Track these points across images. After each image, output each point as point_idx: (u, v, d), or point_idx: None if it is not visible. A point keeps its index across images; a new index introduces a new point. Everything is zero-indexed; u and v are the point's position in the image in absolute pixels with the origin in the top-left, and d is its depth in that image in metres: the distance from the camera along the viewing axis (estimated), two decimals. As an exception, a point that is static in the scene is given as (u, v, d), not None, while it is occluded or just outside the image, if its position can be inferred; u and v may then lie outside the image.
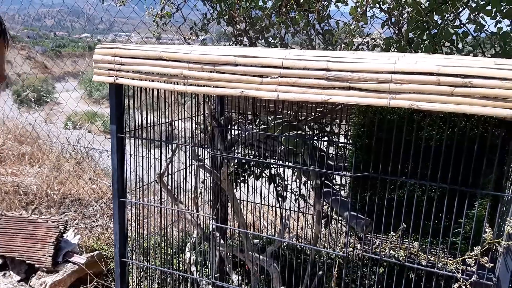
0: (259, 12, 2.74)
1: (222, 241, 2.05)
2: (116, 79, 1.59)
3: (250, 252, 1.90)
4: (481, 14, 2.02)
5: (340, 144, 1.79)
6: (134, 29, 4.58)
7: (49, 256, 2.97)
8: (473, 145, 1.30)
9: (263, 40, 2.87)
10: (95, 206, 4.15)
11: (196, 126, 2.07)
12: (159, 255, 2.29)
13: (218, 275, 2.24)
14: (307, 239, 2.33)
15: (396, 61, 1.21)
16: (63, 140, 5.41)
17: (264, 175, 2.26)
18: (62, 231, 3.08)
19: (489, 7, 1.88)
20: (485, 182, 1.36)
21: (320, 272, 1.95)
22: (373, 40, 2.53)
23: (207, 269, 2.46)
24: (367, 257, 1.50)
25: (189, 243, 2.28)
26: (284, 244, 2.44)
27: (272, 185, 2.24)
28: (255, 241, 2.48)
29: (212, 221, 1.98)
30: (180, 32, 3.19)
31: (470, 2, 1.97)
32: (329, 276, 1.81)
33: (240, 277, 2.22)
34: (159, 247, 2.27)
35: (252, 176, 2.22)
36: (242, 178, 2.24)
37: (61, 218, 3.27)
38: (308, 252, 2.13)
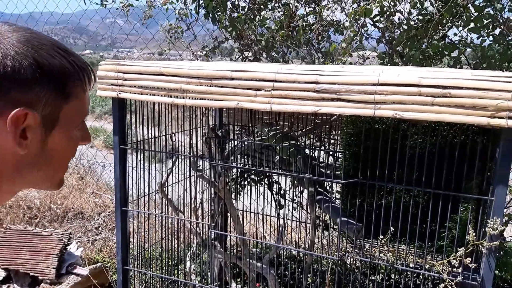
0: (265, 29, 2.87)
1: (221, 250, 2.12)
2: (119, 93, 1.68)
3: (248, 259, 1.96)
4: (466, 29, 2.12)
5: (331, 152, 1.87)
6: (134, 46, 4.71)
7: (53, 268, 3.02)
8: (456, 151, 1.38)
9: (267, 57, 2.98)
10: (98, 219, 4.21)
11: (198, 138, 2.15)
12: (160, 266, 2.34)
13: (218, 283, 2.30)
14: (304, 247, 2.38)
15: (380, 73, 1.30)
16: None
17: (262, 183, 2.33)
18: (65, 243, 3.14)
19: (472, 24, 1.98)
20: (468, 186, 1.44)
21: (317, 280, 2.00)
22: (367, 59, 2.64)
23: (208, 279, 2.52)
24: (359, 261, 1.57)
25: (189, 252, 2.34)
26: (282, 251, 2.49)
27: (270, 194, 2.31)
28: (253, 249, 2.54)
29: (211, 229, 2.04)
30: (190, 47, 3.32)
31: (455, 20, 2.07)
32: (324, 282, 1.87)
33: (239, 286, 2.27)
34: (160, 258, 2.33)
35: (250, 185, 2.30)
36: (240, 188, 2.31)
37: (65, 230, 3.33)
38: (305, 260, 2.18)
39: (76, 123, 0.66)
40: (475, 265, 1.35)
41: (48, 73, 0.59)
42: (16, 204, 4.28)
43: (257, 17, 2.76)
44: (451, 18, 2.04)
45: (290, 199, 2.23)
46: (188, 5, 3.03)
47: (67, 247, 3.19)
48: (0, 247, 3.18)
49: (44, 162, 0.63)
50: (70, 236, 3.27)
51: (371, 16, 2.31)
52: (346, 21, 2.58)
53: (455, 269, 1.37)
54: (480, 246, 1.35)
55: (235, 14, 2.88)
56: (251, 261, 1.97)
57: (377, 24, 2.52)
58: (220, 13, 2.82)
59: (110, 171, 4.73)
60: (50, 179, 0.66)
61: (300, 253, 2.41)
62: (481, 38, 2.01)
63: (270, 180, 2.26)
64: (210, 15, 2.87)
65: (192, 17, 3.10)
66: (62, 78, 0.61)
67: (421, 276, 1.54)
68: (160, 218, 2.10)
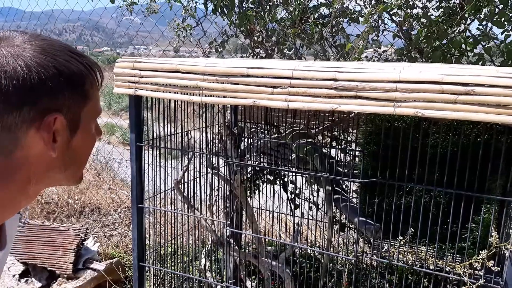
0: (276, 25, 2.84)
1: (236, 247, 2.11)
2: (136, 91, 1.68)
3: (263, 258, 1.95)
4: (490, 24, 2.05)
5: (349, 151, 1.84)
6: (155, 43, 4.72)
7: (70, 263, 3.06)
8: (479, 151, 1.34)
9: (279, 53, 2.95)
10: (114, 215, 4.25)
11: (212, 135, 2.15)
12: (176, 262, 2.35)
13: (232, 281, 2.29)
14: (320, 246, 2.36)
15: (401, 70, 1.26)
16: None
17: (277, 182, 2.31)
18: (82, 238, 3.17)
19: (496, 17, 1.92)
20: (491, 187, 1.39)
21: (333, 280, 1.98)
22: (384, 52, 2.58)
23: (222, 276, 2.51)
24: (376, 262, 1.54)
25: (204, 250, 2.34)
26: (297, 250, 2.47)
27: (285, 192, 2.29)
28: (269, 248, 2.52)
29: (227, 227, 2.03)
30: (200, 45, 3.31)
31: (478, 14, 2.01)
32: (341, 282, 1.84)
33: (254, 284, 2.26)
34: (175, 255, 2.33)
35: (265, 183, 2.28)
36: (255, 186, 2.29)
37: (82, 226, 3.37)
38: (320, 259, 2.16)
39: (94, 121, 0.70)
40: (498, 268, 1.31)
41: (68, 79, 0.62)
42: (34, 199, 4.34)
43: (267, 12, 2.72)
44: (473, 12, 1.98)
45: (306, 199, 2.21)
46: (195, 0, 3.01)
47: (84, 242, 3.22)
48: (18, 242, 3.23)
49: (69, 162, 0.67)
50: (87, 231, 3.30)
51: (388, 10, 2.26)
52: (362, 16, 2.53)
53: (476, 271, 1.34)
54: (503, 249, 1.31)
55: (245, 8, 2.85)
56: (266, 259, 1.95)
57: (394, 18, 2.46)
58: (228, 10, 2.80)
59: (126, 167, 4.77)
60: (73, 177, 0.70)
61: (315, 252, 2.39)
62: (505, 33, 1.95)
63: (286, 179, 2.24)
64: (219, 11, 2.85)
65: (196, 11, 3.07)
66: (80, 82, 0.64)
67: (439, 278, 1.50)
68: (175, 215, 2.10)
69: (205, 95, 1.55)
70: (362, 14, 2.45)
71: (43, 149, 0.62)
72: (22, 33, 0.62)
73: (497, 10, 1.93)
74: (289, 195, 2.26)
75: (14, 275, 3.18)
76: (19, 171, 0.62)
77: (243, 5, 2.87)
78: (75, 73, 0.63)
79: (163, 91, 1.64)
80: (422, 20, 2.28)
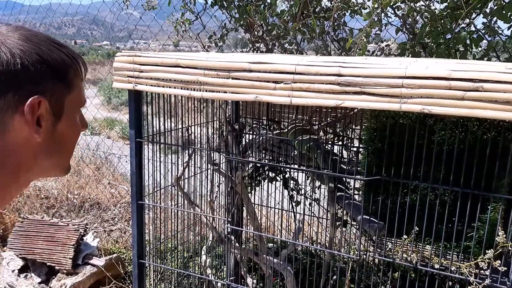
0: (276, 19, 2.80)
1: (237, 244, 2.09)
2: (135, 85, 1.65)
3: (264, 255, 1.93)
4: (495, 18, 2.02)
5: (353, 148, 1.81)
6: (155, 37, 4.68)
7: (69, 258, 3.05)
8: (486, 149, 1.31)
9: (279, 47, 2.91)
10: (114, 210, 4.23)
11: (213, 131, 2.12)
12: (176, 258, 2.33)
13: (233, 277, 2.28)
14: (321, 243, 2.34)
15: (407, 66, 1.23)
16: (83, 145, 5.54)
17: (278, 179, 2.29)
18: (82, 234, 3.15)
19: (503, 12, 1.88)
20: (498, 186, 1.37)
21: (334, 277, 1.96)
22: (387, 47, 2.55)
23: (222, 273, 2.50)
24: (380, 261, 1.52)
25: (205, 246, 2.32)
26: (299, 248, 2.45)
27: (286, 189, 2.26)
28: (270, 245, 2.51)
29: (227, 224, 2.01)
30: (199, 39, 3.26)
31: (484, 8, 1.97)
32: (343, 280, 1.82)
33: (255, 281, 2.25)
34: (175, 251, 2.31)
35: (266, 180, 2.25)
36: (256, 182, 2.27)
37: (81, 221, 3.35)
38: (322, 256, 2.14)
39: (78, 111, 0.73)
40: (505, 268, 1.28)
41: (51, 67, 0.64)
42: (33, 194, 4.32)
43: (266, 6, 2.68)
44: (479, 5, 1.94)
45: (307, 196, 2.18)
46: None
47: (83, 237, 3.20)
48: (18, 237, 3.21)
49: (55, 149, 0.69)
50: (87, 226, 3.28)
51: (391, 4, 2.22)
52: (365, 8, 2.49)
53: (482, 271, 1.31)
54: (510, 248, 1.29)
55: (244, 2, 2.80)
56: (267, 257, 1.93)
57: (397, 12, 2.42)
58: (227, 4, 2.76)
59: (126, 162, 4.74)
60: (60, 165, 0.72)
61: (317, 250, 2.37)
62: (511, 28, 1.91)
63: (287, 176, 2.21)
64: (218, 4, 2.81)
65: (196, 4, 3.03)
66: (63, 70, 0.67)
67: (442, 276, 1.48)
68: (175, 211, 2.08)
69: (206, 90, 1.52)
70: (365, 7, 2.41)
71: (29, 134, 0.63)
72: (6, 25, 0.65)
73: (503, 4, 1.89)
74: (290, 192, 2.23)
75: (13, 270, 3.16)
76: (9, 157, 0.63)
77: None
78: (57, 62, 0.65)
79: (163, 86, 1.61)
80: (426, 14, 2.24)
